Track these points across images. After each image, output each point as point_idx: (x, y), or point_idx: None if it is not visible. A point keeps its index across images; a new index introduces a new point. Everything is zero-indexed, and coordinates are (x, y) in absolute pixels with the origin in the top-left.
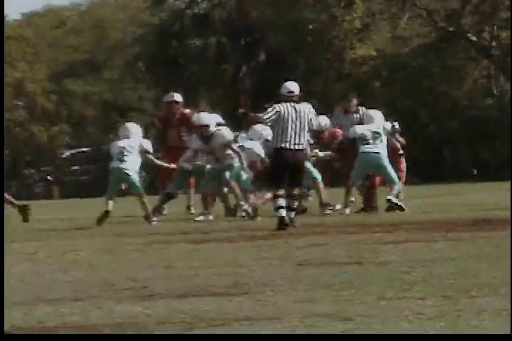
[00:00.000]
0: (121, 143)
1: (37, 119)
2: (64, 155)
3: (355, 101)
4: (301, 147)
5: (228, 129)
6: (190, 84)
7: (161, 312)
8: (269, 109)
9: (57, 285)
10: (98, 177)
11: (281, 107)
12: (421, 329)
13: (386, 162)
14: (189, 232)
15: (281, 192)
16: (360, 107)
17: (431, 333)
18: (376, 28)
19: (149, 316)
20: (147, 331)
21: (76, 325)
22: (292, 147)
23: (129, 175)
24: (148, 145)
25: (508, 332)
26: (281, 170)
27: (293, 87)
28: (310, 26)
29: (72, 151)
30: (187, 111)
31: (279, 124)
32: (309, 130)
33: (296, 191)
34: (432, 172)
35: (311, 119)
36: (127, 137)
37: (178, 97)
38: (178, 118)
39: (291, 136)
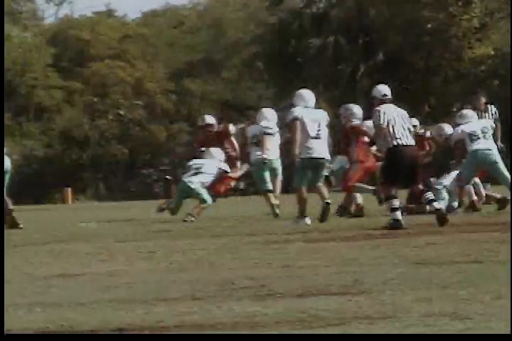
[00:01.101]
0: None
1: (156, 118)
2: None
3: (483, 100)
4: (412, 143)
5: None
6: (308, 83)
7: (279, 311)
8: (379, 114)
9: (176, 285)
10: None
11: (384, 108)
12: None
13: (499, 158)
14: (308, 231)
15: (395, 192)
16: (488, 105)
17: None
18: (494, 26)
19: (267, 315)
20: (265, 330)
21: (195, 324)
22: (405, 143)
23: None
24: None
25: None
26: (397, 168)
27: (386, 90)
28: (428, 25)
29: None
30: (221, 127)
31: (389, 125)
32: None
33: (419, 186)
34: None
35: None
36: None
37: (210, 119)
38: (215, 138)
39: (401, 133)
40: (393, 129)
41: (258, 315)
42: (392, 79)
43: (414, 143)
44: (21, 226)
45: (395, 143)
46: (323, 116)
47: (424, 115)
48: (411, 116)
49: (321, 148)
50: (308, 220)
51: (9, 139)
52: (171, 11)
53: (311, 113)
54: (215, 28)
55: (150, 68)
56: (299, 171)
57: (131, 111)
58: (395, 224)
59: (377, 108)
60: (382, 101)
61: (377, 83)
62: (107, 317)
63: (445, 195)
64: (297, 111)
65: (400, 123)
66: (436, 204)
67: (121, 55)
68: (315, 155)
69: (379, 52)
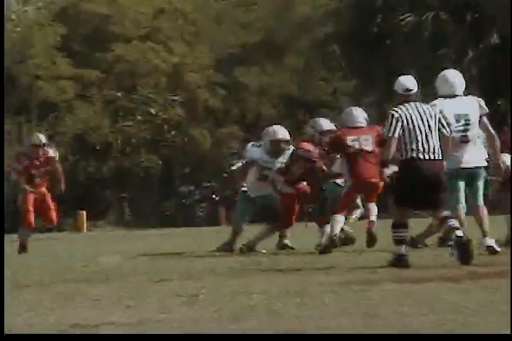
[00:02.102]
0: None
1: (198, 119)
2: (234, 167)
3: None
4: (437, 156)
5: None
6: (397, 72)
7: None
8: (391, 120)
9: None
10: None
11: (401, 112)
12: None
13: None
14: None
15: (407, 218)
16: None
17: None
18: None
19: None
20: None
21: None
22: (427, 157)
23: None
24: None
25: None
26: (413, 187)
27: (410, 83)
28: None
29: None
30: None
31: (404, 133)
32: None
33: (443, 213)
34: None
35: (439, 121)
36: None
37: (327, 125)
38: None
39: (422, 144)
40: (410, 138)
41: None
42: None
43: (440, 158)
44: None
45: (410, 155)
46: None
47: None
48: None
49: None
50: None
51: (8, 148)
52: None
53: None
54: (278, 2)
55: (191, 53)
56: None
57: (166, 109)
58: (398, 261)
59: (393, 110)
60: (405, 98)
61: (489, 72)
62: None
63: None
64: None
65: (422, 130)
66: (403, 249)
67: (152, 36)
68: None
69: (492, 33)
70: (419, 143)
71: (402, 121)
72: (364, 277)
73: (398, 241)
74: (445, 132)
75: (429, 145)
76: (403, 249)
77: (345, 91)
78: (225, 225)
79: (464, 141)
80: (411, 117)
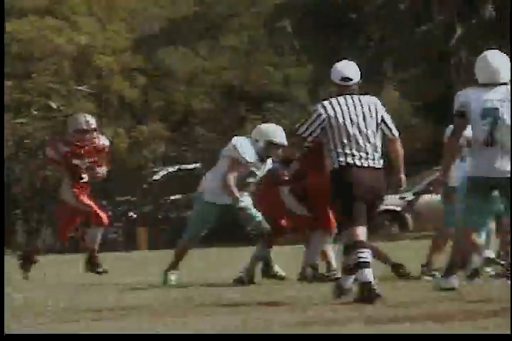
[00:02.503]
0: None
1: (112, 115)
2: (157, 176)
3: None
4: (376, 163)
5: None
6: (366, 55)
7: None
8: (313, 118)
9: None
10: None
11: (329, 108)
12: None
13: None
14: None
15: (364, 236)
16: None
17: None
18: None
19: None
20: None
21: None
22: (361, 163)
23: None
24: None
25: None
26: (353, 198)
27: (350, 70)
28: None
29: (170, 170)
30: None
31: (333, 132)
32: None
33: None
34: None
35: (382, 120)
36: None
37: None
38: None
39: (356, 146)
40: (340, 140)
41: None
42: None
43: (380, 167)
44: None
45: (342, 161)
46: None
47: None
48: None
49: None
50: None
51: None
52: None
53: None
54: None
55: (102, 32)
56: None
57: (71, 102)
58: (340, 291)
59: (320, 104)
60: (342, 89)
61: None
62: None
63: None
64: None
65: (357, 131)
66: (367, 274)
67: (54, 9)
68: None
69: (486, 3)
70: (350, 147)
71: (328, 118)
72: (326, 316)
73: (356, 266)
74: (389, 134)
75: (366, 150)
76: (366, 274)
77: (299, 80)
78: (145, 250)
79: (488, 143)
80: (342, 114)
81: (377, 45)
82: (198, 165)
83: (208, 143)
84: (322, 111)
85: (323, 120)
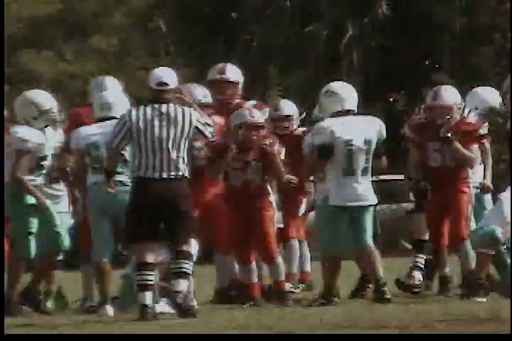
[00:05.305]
0: None
1: None
2: None
3: None
4: (174, 174)
5: None
6: (248, 58)
7: None
8: (116, 126)
9: None
10: None
11: (134, 116)
12: None
13: None
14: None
15: (150, 257)
16: None
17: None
18: None
19: None
20: None
21: None
22: (157, 175)
23: None
24: None
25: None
26: (147, 214)
27: (165, 74)
28: None
29: None
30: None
31: (134, 143)
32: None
33: (186, 247)
34: None
35: (196, 127)
36: None
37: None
38: None
39: (152, 158)
40: (139, 152)
41: None
42: (405, 52)
43: (179, 177)
44: None
45: (138, 175)
46: None
47: None
48: None
49: None
50: None
51: None
52: None
53: None
54: None
55: None
56: None
57: None
58: (142, 314)
59: (125, 113)
60: (158, 95)
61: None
62: None
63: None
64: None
65: (156, 141)
66: (146, 296)
67: None
68: None
69: (380, 1)
70: (149, 159)
71: (131, 127)
72: None
73: (142, 288)
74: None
75: (161, 161)
76: (144, 297)
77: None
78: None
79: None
80: (145, 123)
81: (260, 46)
82: None
83: None
84: (126, 118)
85: (129, 129)
